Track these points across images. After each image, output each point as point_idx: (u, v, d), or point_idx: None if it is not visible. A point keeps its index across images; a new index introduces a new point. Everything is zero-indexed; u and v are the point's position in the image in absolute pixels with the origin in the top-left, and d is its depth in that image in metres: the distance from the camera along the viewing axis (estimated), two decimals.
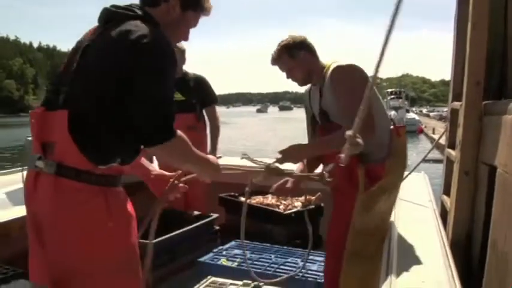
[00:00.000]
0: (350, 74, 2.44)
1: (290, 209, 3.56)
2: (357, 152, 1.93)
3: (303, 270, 2.79)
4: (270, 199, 3.77)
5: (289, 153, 2.45)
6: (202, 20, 1.96)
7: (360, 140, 1.87)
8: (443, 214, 3.32)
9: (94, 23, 1.77)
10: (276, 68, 2.58)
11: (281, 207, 3.60)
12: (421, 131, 33.00)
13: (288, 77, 2.63)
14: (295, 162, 2.56)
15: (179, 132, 1.65)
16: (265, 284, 2.55)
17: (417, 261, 2.17)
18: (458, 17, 3.47)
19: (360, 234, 2.44)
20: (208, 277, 2.70)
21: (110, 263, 1.63)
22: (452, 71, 3.60)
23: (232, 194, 3.90)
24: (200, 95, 3.91)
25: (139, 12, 1.74)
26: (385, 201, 2.49)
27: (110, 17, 1.74)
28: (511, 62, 2.76)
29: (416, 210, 3.03)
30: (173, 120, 1.62)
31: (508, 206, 2.04)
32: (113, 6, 1.75)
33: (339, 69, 2.47)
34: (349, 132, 1.85)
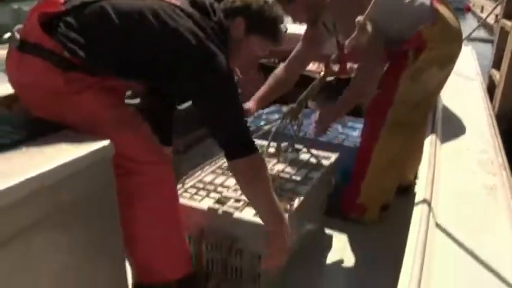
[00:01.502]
0: None
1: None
2: (364, 40, 1.87)
3: (342, 136, 2.80)
4: (310, 65, 3.70)
5: (325, 119, 2.50)
6: None
7: (368, 27, 1.83)
8: (491, 88, 3.23)
9: None
10: None
11: (322, 73, 3.54)
12: (469, 10, 31.39)
13: (294, 22, 2.50)
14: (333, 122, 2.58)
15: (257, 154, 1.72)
16: (304, 147, 2.58)
17: (462, 130, 2.14)
18: None
19: (404, 104, 2.41)
20: None
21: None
22: None
23: (273, 60, 3.83)
24: None
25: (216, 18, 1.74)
26: (435, 74, 2.41)
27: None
28: None
29: (463, 82, 2.94)
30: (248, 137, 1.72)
31: None
32: None
33: None
34: (359, 18, 1.80)
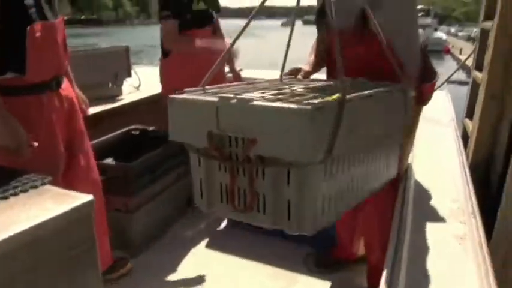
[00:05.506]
0: None
1: None
2: None
3: None
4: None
5: None
6: None
7: None
8: (464, 138, 3.29)
9: None
10: None
11: None
12: (448, 51, 32.13)
13: None
14: None
15: None
16: None
17: (435, 177, 2.19)
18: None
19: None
20: None
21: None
22: None
23: None
24: (214, 4, 3.44)
25: None
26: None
27: None
28: None
29: (437, 129, 2.98)
30: None
31: None
32: None
33: None
34: None
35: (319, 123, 1.24)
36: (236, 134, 1.36)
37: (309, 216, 1.35)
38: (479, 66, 3.23)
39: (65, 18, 2.05)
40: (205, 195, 1.53)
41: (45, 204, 1.44)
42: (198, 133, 1.42)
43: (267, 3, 1.75)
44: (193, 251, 2.95)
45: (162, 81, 3.32)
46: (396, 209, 1.86)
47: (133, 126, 3.32)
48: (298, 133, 1.23)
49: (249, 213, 1.41)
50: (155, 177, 2.89)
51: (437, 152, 2.56)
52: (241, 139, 1.35)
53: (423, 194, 2.01)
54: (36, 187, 1.54)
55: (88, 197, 1.49)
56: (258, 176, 1.36)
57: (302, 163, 1.28)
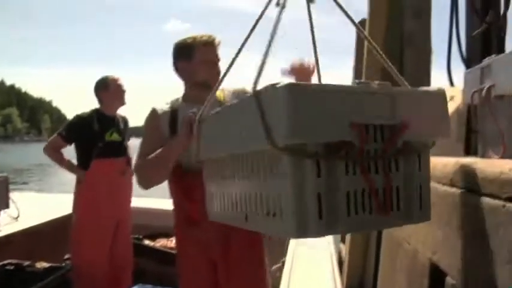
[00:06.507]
0: None
1: None
2: None
3: None
4: (174, 242, 3.78)
5: None
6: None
7: None
8: (341, 260, 3.44)
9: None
10: None
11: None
12: None
13: (213, 69, 2.07)
14: None
15: None
16: None
17: None
18: (355, 61, 3.62)
19: None
20: None
21: None
22: None
23: (137, 236, 3.89)
24: (127, 135, 3.68)
25: None
26: None
27: None
28: None
29: (314, 253, 3.04)
30: None
31: (392, 260, 2.16)
32: None
33: None
34: None
35: None
36: (384, 122, 1.21)
37: (430, 201, 1.31)
38: None
39: None
40: (327, 213, 1.17)
41: None
42: (331, 127, 1.15)
43: None
44: None
45: (76, 208, 3.38)
46: None
47: (7, 261, 3.15)
48: (445, 111, 1.31)
49: (387, 215, 1.22)
50: None
51: (313, 278, 2.64)
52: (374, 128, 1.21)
53: None
54: None
55: None
56: (392, 169, 1.24)
57: (436, 140, 1.32)
